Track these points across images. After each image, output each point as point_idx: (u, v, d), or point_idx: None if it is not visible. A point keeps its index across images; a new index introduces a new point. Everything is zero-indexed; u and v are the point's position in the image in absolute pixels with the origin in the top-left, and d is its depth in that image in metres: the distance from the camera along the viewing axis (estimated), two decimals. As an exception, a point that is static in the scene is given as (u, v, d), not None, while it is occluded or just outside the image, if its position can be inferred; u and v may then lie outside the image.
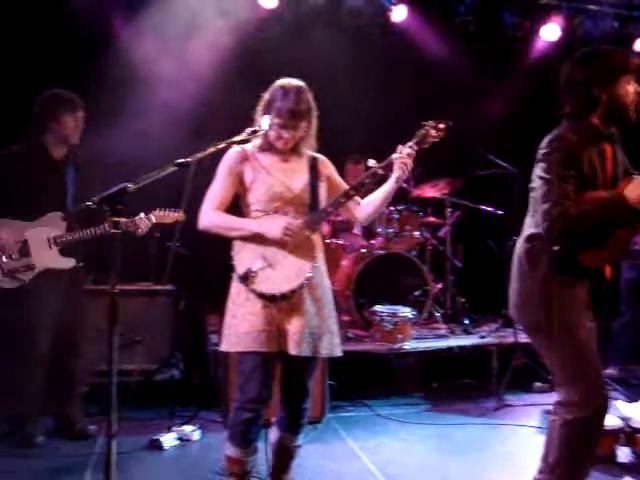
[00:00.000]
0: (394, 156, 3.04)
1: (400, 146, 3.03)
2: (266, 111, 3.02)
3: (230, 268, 3.03)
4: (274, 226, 2.95)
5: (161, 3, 5.40)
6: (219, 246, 3.33)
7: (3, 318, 3.88)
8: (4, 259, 3.84)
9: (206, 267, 5.04)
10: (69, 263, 4.01)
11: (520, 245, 3.09)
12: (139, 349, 4.71)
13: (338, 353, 3.12)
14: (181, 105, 5.15)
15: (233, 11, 5.48)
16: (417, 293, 5.55)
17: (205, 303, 5.35)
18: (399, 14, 6.14)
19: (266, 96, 3.05)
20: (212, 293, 5.24)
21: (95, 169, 4.17)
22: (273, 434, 3.26)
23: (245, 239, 3.00)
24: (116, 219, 2.36)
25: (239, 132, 2.93)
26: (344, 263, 5.61)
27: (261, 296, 2.95)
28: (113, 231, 2.37)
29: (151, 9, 5.41)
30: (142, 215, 3.98)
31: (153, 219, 4.00)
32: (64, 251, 3.98)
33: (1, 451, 3.86)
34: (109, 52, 5.33)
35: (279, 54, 5.43)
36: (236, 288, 3.03)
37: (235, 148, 3.04)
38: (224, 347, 3.06)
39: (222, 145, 2.81)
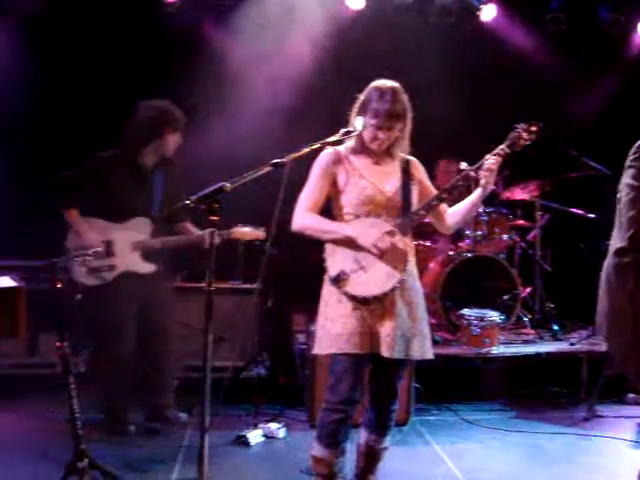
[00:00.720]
0: (486, 158, 2.99)
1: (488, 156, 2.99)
2: (361, 112, 3.01)
3: (322, 270, 3.06)
4: (367, 235, 2.94)
5: (251, 6, 5.47)
6: (306, 246, 3.37)
7: (91, 314, 4.04)
8: (91, 258, 3.93)
9: (292, 266, 5.08)
10: (149, 268, 4.13)
11: (608, 260, 2.97)
12: (226, 346, 4.80)
13: (429, 356, 3.09)
14: (275, 106, 5.20)
15: (321, 13, 5.49)
16: (505, 297, 5.43)
17: (291, 302, 5.40)
18: (488, 13, 6.02)
19: (361, 97, 3.05)
20: (298, 292, 5.32)
21: (180, 173, 4.29)
22: (360, 435, 3.26)
23: (337, 242, 3.01)
24: (214, 219, 2.41)
25: (333, 133, 2.94)
26: (431, 266, 5.55)
27: (353, 298, 2.95)
28: (211, 230, 2.42)
29: (241, 13, 5.49)
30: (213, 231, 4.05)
31: (232, 234, 4.12)
32: (145, 256, 4.12)
33: (96, 438, 4.00)
34: (202, 55, 5.44)
35: (368, 54, 5.41)
36: (328, 290, 3.05)
37: (328, 150, 3.05)
38: (317, 349, 3.08)
39: (316, 146, 2.83)
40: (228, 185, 2.42)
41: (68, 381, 2.98)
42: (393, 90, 3.00)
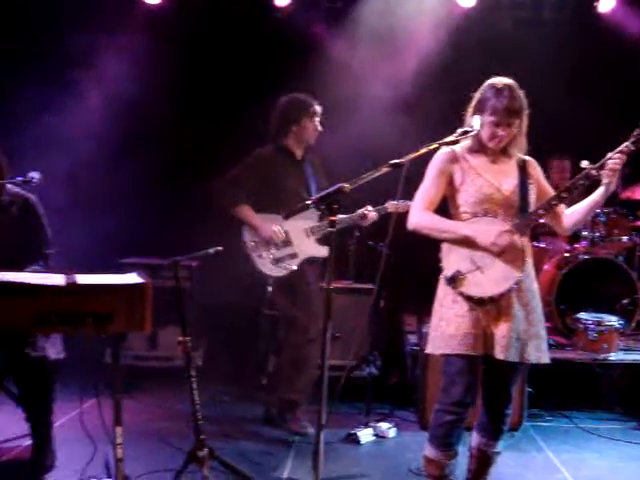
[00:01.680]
0: (609, 157, 2.89)
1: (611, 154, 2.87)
2: (477, 111, 2.98)
3: (433, 270, 3.04)
4: (485, 235, 2.91)
5: (363, 7, 5.50)
6: (417, 246, 3.36)
7: (283, 302, 4.28)
8: (272, 250, 4.21)
9: (403, 266, 5.06)
10: (326, 251, 4.24)
11: None
12: (339, 345, 4.85)
13: (546, 360, 3.01)
14: (389, 105, 5.21)
15: (431, 11, 5.45)
16: (625, 301, 5.19)
17: (402, 302, 5.40)
18: (606, 4, 5.79)
19: (477, 95, 3.02)
20: (409, 293, 5.32)
21: (322, 165, 4.47)
22: (473, 439, 3.22)
23: (454, 241, 2.98)
24: (332, 218, 2.45)
25: (449, 132, 2.92)
26: (546, 267, 5.39)
27: (469, 299, 2.92)
28: (329, 229, 2.47)
29: (353, 14, 5.53)
30: (367, 207, 4.21)
31: (387, 209, 4.22)
32: (320, 240, 4.29)
33: (212, 430, 4.13)
34: (316, 57, 5.52)
35: (479, 52, 5.33)
36: (443, 290, 3.03)
37: (444, 149, 3.03)
38: (430, 349, 3.07)
39: (434, 146, 2.82)
40: (347, 186, 2.45)
41: (190, 374, 3.11)
42: (509, 87, 2.95)
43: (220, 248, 3.36)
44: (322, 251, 4.27)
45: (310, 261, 4.28)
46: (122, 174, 5.26)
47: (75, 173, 5.09)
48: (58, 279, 2.96)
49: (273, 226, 4.20)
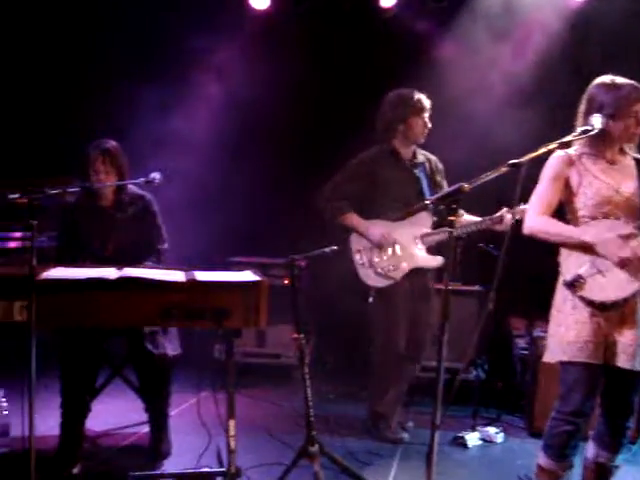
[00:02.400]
0: None
1: None
2: (594, 110, 2.88)
3: (544, 274, 2.96)
4: (606, 243, 2.81)
5: (471, 4, 5.42)
6: (528, 249, 3.27)
7: (379, 315, 4.09)
8: (376, 258, 4.02)
9: (512, 269, 4.93)
10: (436, 261, 4.07)
11: None
12: (446, 347, 4.79)
13: (672, 370, 2.86)
14: (503, 104, 5.10)
15: (545, 4, 5.29)
16: None
17: (509, 306, 5.27)
18: None
19: (592, 93, 2.93)
20: (516, 296, 5.18)
21: (439, 165, 4.28)
22: (589, 450, 3.11)
23: (573, 246, 2.89)
24: (452, 218, 2.43)
25: (565, 131, 2.85)
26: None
27: (590, 304, 2.82)
28: (448, 230, 2.44)
29: (461, 11, 5.45)
30: (505, 209, 3.91)
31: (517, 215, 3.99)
32: (430, 250, 4.07)
33: (321, 428, 4.18)
34: (425, 56, 5.50)
35: (596, 44, 5.13)
36: (562, 295, 2.94)
37: (559, 152, 2.94)
38: (547, 356, 2.99)
39: (553, 145, 2.74)
40: (466, 185, 2.41)
41: (304, 371, 3.16)
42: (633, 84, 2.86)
43: (336, 247, 3.39)
44: (431, 261, 4.06)
45: (415, 272, 4.05)
46: (233, 174, 5.40)
47: (189, 172, 5.24)
48: (178, 276, 3.09)
49: (381, 230, 4.00)
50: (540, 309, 4.86)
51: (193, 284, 2.96)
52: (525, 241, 2.99)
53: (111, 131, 4.04)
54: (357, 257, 4.05)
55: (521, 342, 4.89)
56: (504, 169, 2.55)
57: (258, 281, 3.03)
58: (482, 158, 3.78)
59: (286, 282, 4.58)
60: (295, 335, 3.15)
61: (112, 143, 3.76)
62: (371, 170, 4.09)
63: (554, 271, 3.01)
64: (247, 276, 3.18)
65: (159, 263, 3.77)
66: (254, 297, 3.01)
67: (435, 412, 2.63)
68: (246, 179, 5.38)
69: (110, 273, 3.00)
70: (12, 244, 4.87)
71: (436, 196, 2.45)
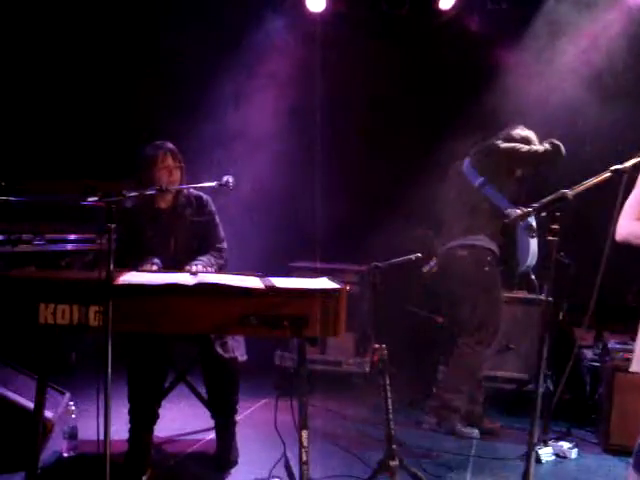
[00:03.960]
0: None
1: None
2: None
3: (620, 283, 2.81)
4: None
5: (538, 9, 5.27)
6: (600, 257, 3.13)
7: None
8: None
9: (582, 277, 4.77)
10: None
11: None
12: (511, 357, 4.68)
13: None
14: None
15: (617, 6, 5.12)
16: None
17: (573, 315, 5.10)
18: None
19: None
20: (582, 305, 5.00)
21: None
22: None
23: None
24: (555, 227, 2.31)
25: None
26: None
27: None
28: (550, 239, 2.33)
29: (522, 16, 5.32)
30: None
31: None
32: None
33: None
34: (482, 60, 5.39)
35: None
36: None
37: None
38: (634, 366, 2.85)
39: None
40: (569, 193, 2.30)
41: (385, 382, 3.06)
42: None
43: (419, 254, 3.29)
44: None
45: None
46: (292, 177, 5.34)
47: (246, 174, 5.18)
48: (254, 282, 3.02)
49: None
50: (611, 320, 4.76)
51: (273, 291, 2.88)
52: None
53: (162, 135, 3.99)
54: None
55: (589, 353, 4.73)
56: (607, 175, 2.43)
57: (338, 289, 2.94)
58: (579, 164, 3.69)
59: (347, 289, 4.48)
60: (376, 345, 3.04)
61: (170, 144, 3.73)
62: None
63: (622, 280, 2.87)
64: (325, 283, 3.09)
65: (219, 260, 3.71)
66: (334, 305, 2.92)
67: (532, 428, 2.49)
68: (305, 182, 5.30)
69: (186, 279, 2.93)
70: (69, 246, 4.83)
71: (539, 203, 2.34)
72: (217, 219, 3.80)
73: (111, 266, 2.77)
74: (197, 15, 5.42)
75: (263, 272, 3.33)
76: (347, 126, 5.49)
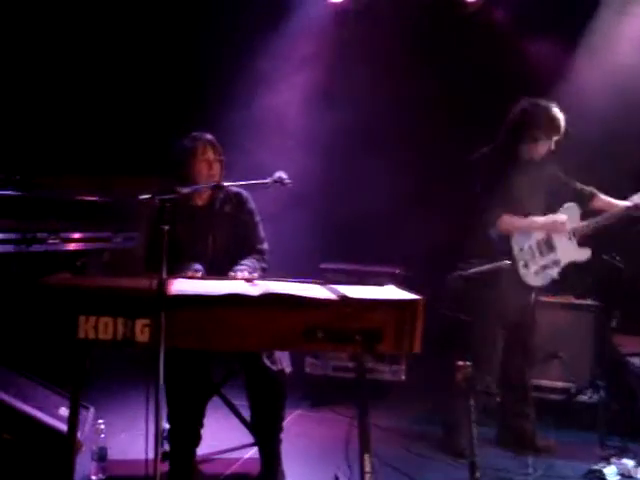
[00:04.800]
0: None
1: None
2: None
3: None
4: None
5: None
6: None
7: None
8: (537, 257, 3.81)
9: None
10: (586, 255, 3.94)
11: None
12: (555, 365, 4.41)
13: None
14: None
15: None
16: None
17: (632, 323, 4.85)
18: None
19: None
20: (629, 312, 4.77)
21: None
22: None
23: None
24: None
25: None
26: None
27: None
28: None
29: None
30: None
31: None
32: (580, 243, 3.94)
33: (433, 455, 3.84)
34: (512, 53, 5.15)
35: None
36: None
37: None
38: None
39: None
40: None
41: (469, 403, 2.76)
42: None
43: (509, 262, 3.00)
44: (583, 254, 3.93)
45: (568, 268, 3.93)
46: (327, 174, 5.04)
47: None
48: (320, 291, 2.72)
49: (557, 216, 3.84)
50: None
51: (346, 302, 2.57)
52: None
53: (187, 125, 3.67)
54: (519, 256, 3.74)
55: (636, 361, 4.47)
56: None
57: (415, 300, 2.64)
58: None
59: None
60: (460, 363, 2.74)
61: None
62: (496, 167, 3.78)
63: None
64: (396, 292, 2.79)
65: (262, 263, 3.40)
66: (410, 318, 2.62)
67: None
68: (338, 180, 4.99)
69: (247, 288, 2.62)
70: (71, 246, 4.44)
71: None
72: (257, 218, 3.48)
73: (164, 274, 2.48)
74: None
75: (291, 274, 3.06)
76: (379, 121, 5.17)
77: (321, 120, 4.96)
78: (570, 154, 3.96)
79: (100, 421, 3.30)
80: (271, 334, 2.56)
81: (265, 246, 3.48)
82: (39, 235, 4.00)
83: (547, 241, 3.86)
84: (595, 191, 3.96)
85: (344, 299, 2.58)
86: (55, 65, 5.28)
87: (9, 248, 3.91)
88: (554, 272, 3.84)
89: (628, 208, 3.83)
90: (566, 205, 3.91)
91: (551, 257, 3.84)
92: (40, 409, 3.26)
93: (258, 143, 4.77)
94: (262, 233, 3.49)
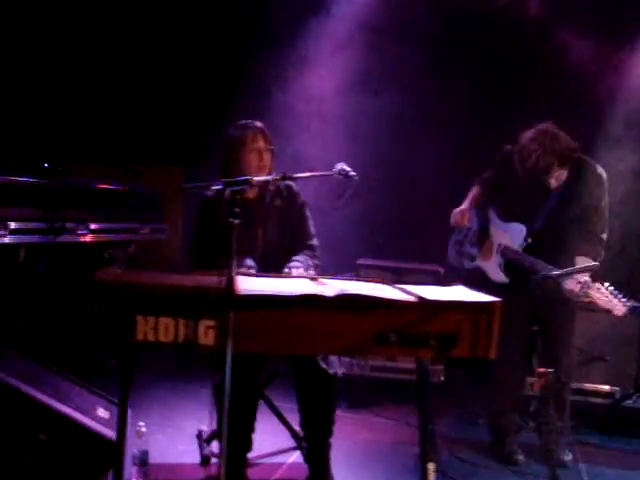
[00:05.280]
0: None
1: None
2: None
3: None
4: None
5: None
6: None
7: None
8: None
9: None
10: (500, 278, 3.65)
11: None
12: (597, 368, 4.27)
13: None
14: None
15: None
16: None
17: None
18: None
19: None
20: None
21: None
22: None
23: None
24: None
25: None
26: None
27: None
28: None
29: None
30: None
31: None
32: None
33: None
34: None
35: None
36: None
37: None
38: None
39: None
40: None
41: (548, 413, 2.60)
42: None
43: (597, 264, 2.84)
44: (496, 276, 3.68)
45: None
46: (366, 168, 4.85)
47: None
48: (391, 291, 2.55)
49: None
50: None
51: (424, 304, 2.41)
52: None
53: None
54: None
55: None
56: None
57: (493, 302, 2.48)
58: None
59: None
60: (541, 369, 2.57)
61: None
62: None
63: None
64: (467, 293, 2.63)
65: (315, 259, 3.24)
66: (486, 321, 2.46)
67: None
68: (377, 175, 4.80)
69: (320, 288, 2.45)
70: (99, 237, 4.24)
71: None
72: (308, 212, 3.31)
73: (233, 271, 2.30)
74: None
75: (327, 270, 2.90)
76: (420, 114, 5.00)
77: (359, 109, 4.80)
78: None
79: (141, 424, 3.13)
80: (343, 338, 2.38)
81: (315, 242, 3.31)
82: (68, 225, 3.81)
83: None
84: None
85: (423, 300, 2.42)
86: (84, 55, 5.14)
87: (35, 238, 3.73)
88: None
89: None
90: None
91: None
92: (77, 410, 3.08)
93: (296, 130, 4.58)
94: (313, 228, 3.32)
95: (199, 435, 3.46)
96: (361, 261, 4.63)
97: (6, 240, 3.51)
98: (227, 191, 2.42)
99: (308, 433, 3.12)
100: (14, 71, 4.82)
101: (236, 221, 2.35)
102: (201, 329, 2.35)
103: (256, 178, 2.59)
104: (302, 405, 3.08)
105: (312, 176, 2.76)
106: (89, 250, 4.03)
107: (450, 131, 4.98)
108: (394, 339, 2.43)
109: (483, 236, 3.81)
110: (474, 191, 3.85)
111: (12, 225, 3.54)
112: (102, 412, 3.21)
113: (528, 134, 3.50)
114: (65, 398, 3.11)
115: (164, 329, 2.35)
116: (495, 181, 3.78)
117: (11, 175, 3.66)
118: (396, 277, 4.29)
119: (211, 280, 2.38)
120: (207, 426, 3.34)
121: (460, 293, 2.65)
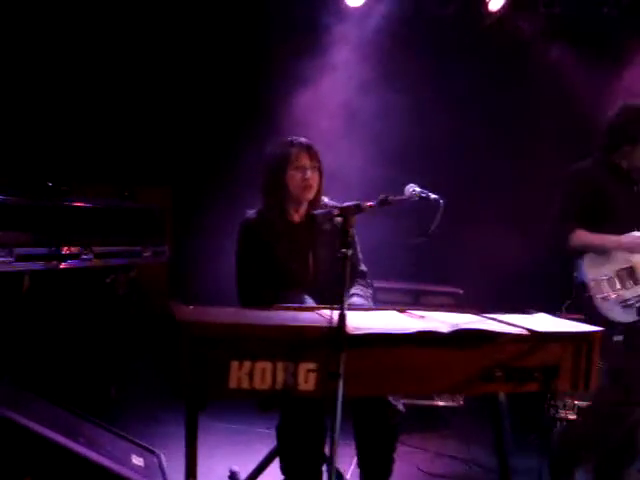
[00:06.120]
0: None
1: None
2: None
3: None
4: None
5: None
6: None
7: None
8: (618, 288, 3.28)
9: None
10: None
11: None
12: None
13: None
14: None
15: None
16: None
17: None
18: None
19: None
20: None
21: None
22: None
23: None
24: None
25: None
26: None
27: None
28: None
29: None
30: None
31: None
32: None
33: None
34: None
35: None
36: None
37: None
38: None
39: None
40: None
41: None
42: None
43: None
44: None
45: None
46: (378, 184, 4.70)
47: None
48: (484, 321, 2.42)
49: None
50: None
51: (535, 336, 2.29)
52: None
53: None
54: (595, 288, 3.28)
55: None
56: None
57: (593, 332, 2.39)
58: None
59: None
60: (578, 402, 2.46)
61: None
62: (590, 183, 3.39)
63: None
64: (558, 323, 2.53)
65: (369, 288, 3.06)
66: (586, 352, 2.38)
67: None
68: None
69: (436, 325, 2.27)
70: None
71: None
72: (356, 236, 3.10)
73: (345, 307, 2.11)
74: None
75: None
76: (439, 133, 4.90)
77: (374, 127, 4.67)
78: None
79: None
80: (451, 376, 2.24)
81: (364, 267, 3.12)
82: (72, 249, 3.47)
83: (631, 272, 3.30)
84: None
85: (534, 333, 2.29)
86: (84, 72, 4.82)
87: (39, 265, 3.37)
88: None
89: None
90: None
91: (636, 290, 3.24)
92: (112, 459, 2.79)
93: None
94: (360, 254, 3.13)
95: (232, 476, 3.23)
96: (377, 284, 4.42)
97: (11, 268, 3.15)
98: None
99: (367, 474, 2.93)
100: (12, 92, 4.44)
101: (350, 252, 2.14)
102: (301, 373, 2.14)
103: (367, 204, 2.37)
104: (365, 443, 2.88)
105: (389, 203, 2.54)
106: (91, 275, 3.69)
107: (461, 148, 4.92)
108: (499, 375, 2.30)
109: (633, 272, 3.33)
110: (581, 233, 3.32)
111: (18, 251, 3.18)
112: (136, 459, 2.94)
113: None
114: (98, 446, 2.82)
115: (260, 375, 2.12)
116: (581, 203, 3.39)
117: (11, 195, 3.30)
118: (413, 300, 4.15)
119: (298, 317, 2.18)
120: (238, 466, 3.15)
121: (545, 321, 2.55)
